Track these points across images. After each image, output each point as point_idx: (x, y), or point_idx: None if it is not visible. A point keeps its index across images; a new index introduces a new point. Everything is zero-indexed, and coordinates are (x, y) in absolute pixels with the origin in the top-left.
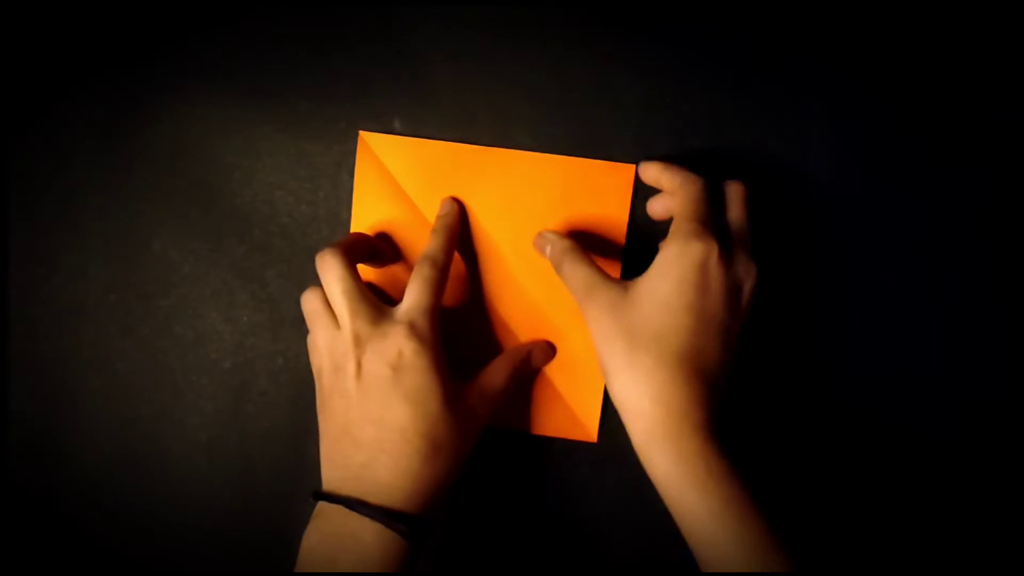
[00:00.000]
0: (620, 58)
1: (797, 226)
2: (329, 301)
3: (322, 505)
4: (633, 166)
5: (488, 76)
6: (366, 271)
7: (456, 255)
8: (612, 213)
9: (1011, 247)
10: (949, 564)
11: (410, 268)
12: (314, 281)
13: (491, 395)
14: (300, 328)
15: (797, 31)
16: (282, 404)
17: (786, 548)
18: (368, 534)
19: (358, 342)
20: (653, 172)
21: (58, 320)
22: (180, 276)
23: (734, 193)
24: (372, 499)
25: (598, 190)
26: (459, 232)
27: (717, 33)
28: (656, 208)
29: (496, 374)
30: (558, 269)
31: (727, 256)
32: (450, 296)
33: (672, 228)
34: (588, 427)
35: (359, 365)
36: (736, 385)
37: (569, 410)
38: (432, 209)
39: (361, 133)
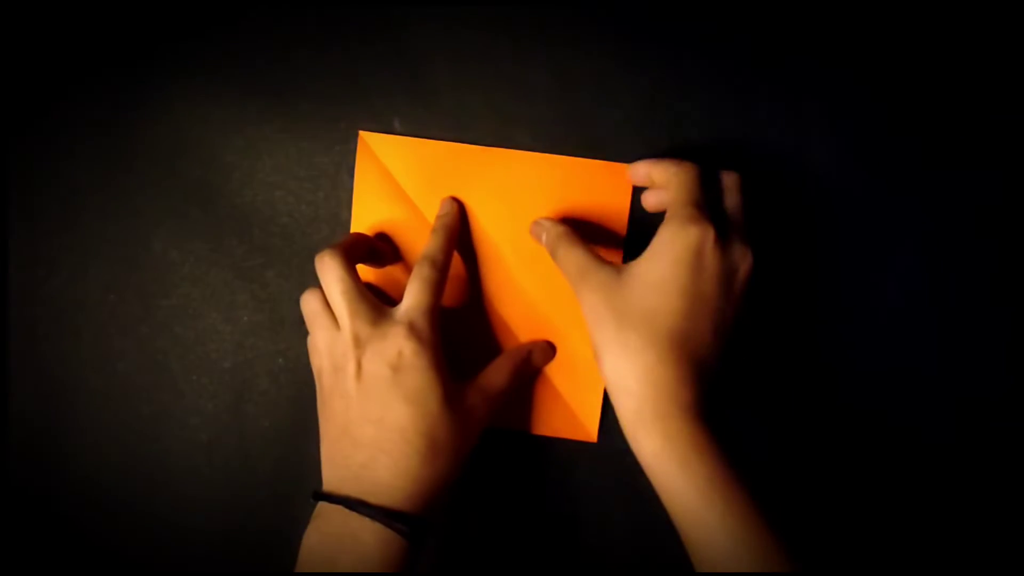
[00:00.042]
0: (620, 58)
1: (797, 226)
2: (329, 302)
3: (322, 505)
4: None
5: (488, 76)
6: (366, 271)
7: (456, 255)
8: (612, 213)
9: (1011, 247)
10: (949, 564)
11: (410, 268)
12: (314, 281)
13: (492, 395)
14: (300, 328)
15: (797, 31)
16: (282, 404)
17: (772, 525)
18: (368, 534)
19: (358, 342)
20: (642, 170)
21: (58, 320)
22: (180, 276)
23: (729, 181)
24: (372, 499)
25: (598, 190)
26: (459, 232)
27: (717, 33)
28: (650, 200)
29: (497, 374)
30: (553, 255)
31: (723, 241)
32: (450, 296)
33: (668, 212)
34: (588, 427)
35: (359, 365)
36: (736, 384)
37: (569, 410)
38: (432, 209)
39: (361, 133)
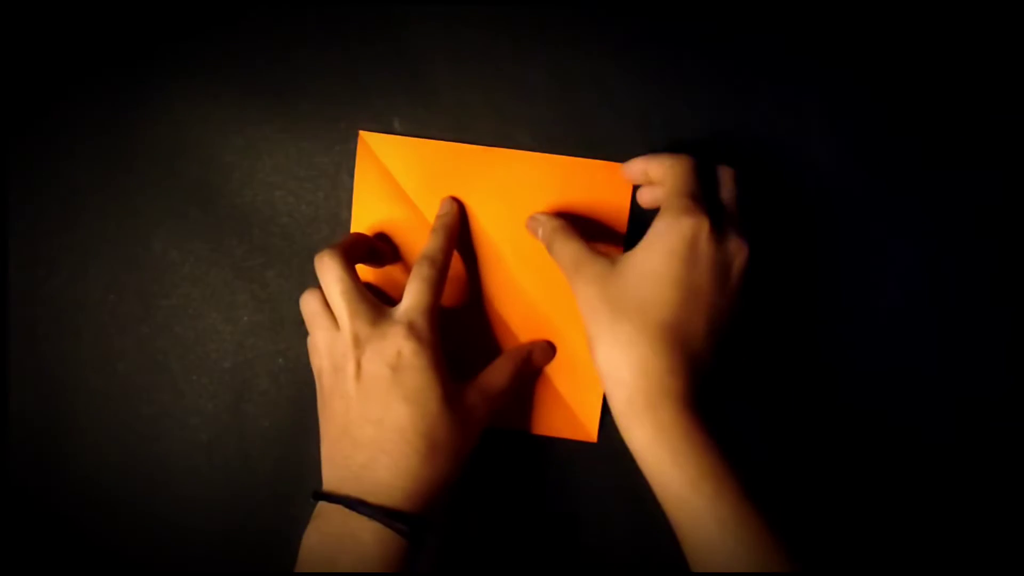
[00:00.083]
0: (620, 58)
1: (797, 226)
2: (328, 302)
3: (322, 505)
4: None
5: (488, 76)
6: (366, 271)
7: (456, 255)
8: (612, 212)
9: (1011, 247)
10: (949, 564)
11: (409, 268)
12: (314, 281)
13: (492, 395)
14: (300, 328)
15: (797, 31)
16: (282, 404)
17: (763, 516)
18: (368, 534)
19: (357, 343)
20: (638, 166)
21: (58, 320)
22: (180, 276)
23: (725, 174)
24: (372, 499)
25: (598, 190)
26: (459, 232)
27: (717, 33)
28: (646, 196)
29: (497, 374)
30: (549, 248)
31: (718, 232)
32: (450, 296)
33: (663, 204)
34: (588, 427)
35: (358, 365)
36: (736, 384)
37: (569, 410)
38: (432, 209)
39: (361, 133)
